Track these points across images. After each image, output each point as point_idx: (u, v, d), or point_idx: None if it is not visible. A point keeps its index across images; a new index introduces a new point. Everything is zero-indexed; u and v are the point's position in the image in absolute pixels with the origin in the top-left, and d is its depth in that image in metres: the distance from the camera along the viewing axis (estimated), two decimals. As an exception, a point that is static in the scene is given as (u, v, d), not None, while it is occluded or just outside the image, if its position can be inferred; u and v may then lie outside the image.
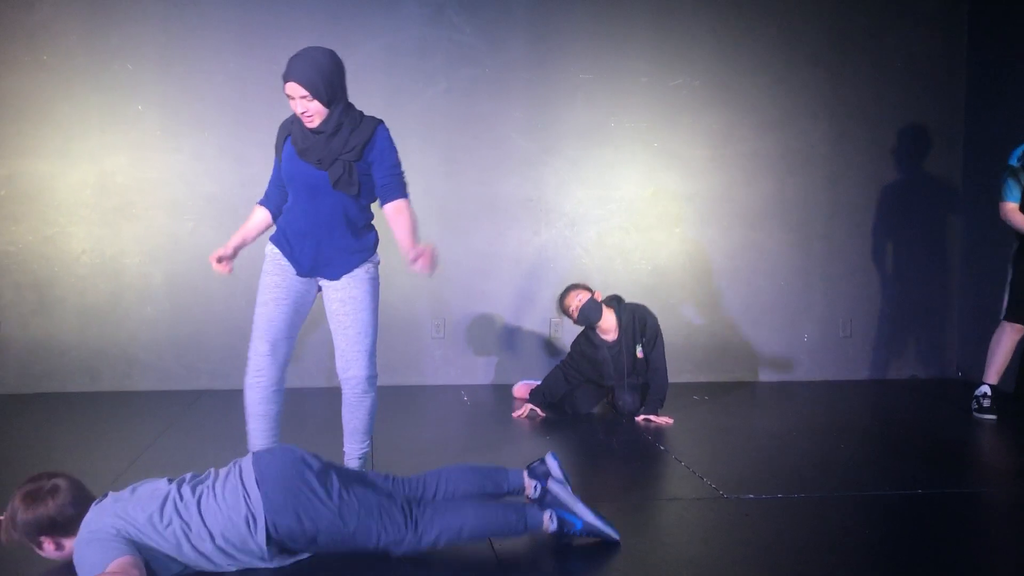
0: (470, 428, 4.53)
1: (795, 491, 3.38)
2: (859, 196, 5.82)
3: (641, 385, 4.65)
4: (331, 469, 2.64)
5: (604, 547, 2.75)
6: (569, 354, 4.71)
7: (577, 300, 4.54)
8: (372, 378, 3.23)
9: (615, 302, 4.66)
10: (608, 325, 4.58)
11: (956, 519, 3.11)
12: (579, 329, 4.72)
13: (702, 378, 5.65)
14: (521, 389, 5.11)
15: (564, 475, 2.86)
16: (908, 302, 5.89)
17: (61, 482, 2.46)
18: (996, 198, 4.61)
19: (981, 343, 4.97)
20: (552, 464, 2.86)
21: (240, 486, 2.49)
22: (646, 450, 4.05)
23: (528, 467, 2.87)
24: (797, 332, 5.81)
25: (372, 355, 3.22)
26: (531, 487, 2.83)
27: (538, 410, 4.61)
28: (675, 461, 3.82)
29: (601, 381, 4.67)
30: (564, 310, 4.65)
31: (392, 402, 4.96)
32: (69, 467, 3.66)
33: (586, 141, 5.56)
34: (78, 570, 2.33)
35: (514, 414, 4.62)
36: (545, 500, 2.76)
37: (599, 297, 4.60)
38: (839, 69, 5.74)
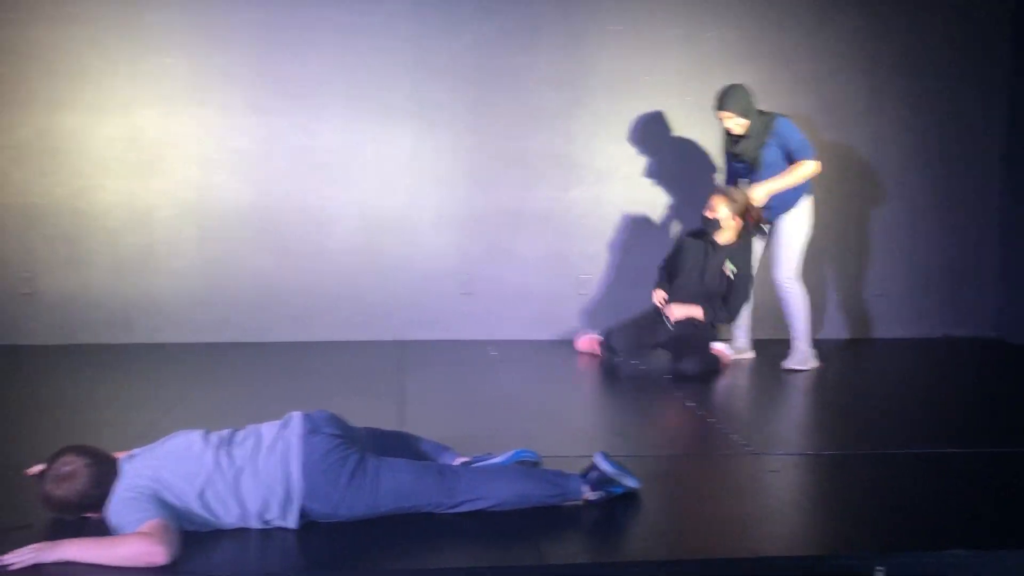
0: (500, 383, 4.52)
1: (824, 448, 3.36)
2: (897, 153, 5.69)
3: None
4: (372, 440, 2.67)
5: (629, 500, 2.75)
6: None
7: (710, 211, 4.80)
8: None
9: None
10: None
11: (982, 477, 3.07)
12: None
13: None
14: (585, 343, 5.14)
15: (618, 468, 2.75)
16: (941, 261, 5.80)
17: (78, 465, 2.40)
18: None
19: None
20: (604, 465, 2.74)
21: (282, 464, 2.47)
22: (676, 407, 4.04)
23: (583, 475, 2.75)
24: (826, 290, 5.74)
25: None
26: (592, 496, 2.72)
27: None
28: (703, 419, 3.81)
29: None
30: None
31: (420, 357, 4.98)
32: (103, 417, 3.74)
33: (616, 95, 5.47)
34: (112, 527, 2.35)
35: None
36: (589, 476, 2.72)
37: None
38: (875, 24, 5.58)
